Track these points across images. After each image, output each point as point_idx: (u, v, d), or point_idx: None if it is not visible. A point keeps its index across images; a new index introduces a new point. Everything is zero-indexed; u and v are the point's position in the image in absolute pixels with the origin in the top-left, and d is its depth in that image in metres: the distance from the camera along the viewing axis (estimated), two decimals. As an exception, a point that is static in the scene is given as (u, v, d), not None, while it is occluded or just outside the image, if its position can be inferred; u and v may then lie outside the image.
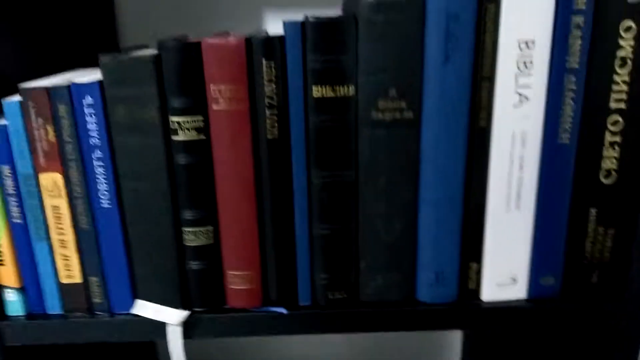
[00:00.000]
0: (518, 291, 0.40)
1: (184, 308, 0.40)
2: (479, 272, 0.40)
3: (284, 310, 0.39)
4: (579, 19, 0.34)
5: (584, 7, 0.34)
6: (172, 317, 0.38)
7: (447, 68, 0.35)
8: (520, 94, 0.36)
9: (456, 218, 0.39)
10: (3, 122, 0.36)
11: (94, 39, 0.57)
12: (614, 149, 0.37)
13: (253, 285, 0.39)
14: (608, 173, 0.38)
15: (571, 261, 0.40)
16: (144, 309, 0.38)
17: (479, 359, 0.71)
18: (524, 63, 0.35)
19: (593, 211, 0.39)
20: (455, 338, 0.80)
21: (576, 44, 0.35)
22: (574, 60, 0.35)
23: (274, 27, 0.65)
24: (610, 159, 0.37)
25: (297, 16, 0.64)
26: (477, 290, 0.40)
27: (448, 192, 0.38)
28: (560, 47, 0.35)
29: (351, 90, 0.35)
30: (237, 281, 0.39)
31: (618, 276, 0.40)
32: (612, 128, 0.37)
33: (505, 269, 0.40)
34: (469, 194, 0.38)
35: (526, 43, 0.35)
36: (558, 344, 0.49)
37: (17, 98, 0.35)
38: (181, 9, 0.65)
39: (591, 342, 0.44)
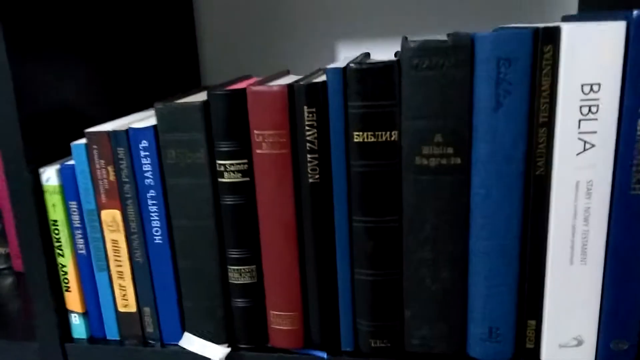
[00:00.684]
0: (584, 354, 0.37)
1: (230, 343, 0.41)
2: (538, 330, 0.37)
3: (324, 355, 0.39)
4: (654, 59, 0.31)
5: (660, 46, 0.31)
6: (215, 352, 0.39)
7: (499, 114, 0.33)
8: (584, 141, 0.33)
9: (511, 270, 0.36)
10: (72, 162, 0.39)
11: (179, 75, 0.62)
12: (700, 203, 0.33)
13: (295, 327, 0.40)
14: (693, 230, 0.33)
15: (648, 326, 0.36)
16: (190, 343, 0.40)
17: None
18: (589, 107, 0.32)
19: (675, 271, 0.34)
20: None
21: (651, 86, 0.31)
22: (649, 104, 0.32)
23: (345, 58, 0.66)
24: (695, 214, 0.33)
25: (366, 49, 0.65)
26: (536, 350, 0.38)
27: (501, 242, 0.36)
28: (633, 90, 0.32)
29: (394, 135, 0.35)
30: (280, 321, 0.40)
31: None
32: (698, 179, 0.32)
33: (569, 328, 0.37)
34: (525, 245, 0.36)
35: (591, 86, 0.32)
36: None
37: (83, 141, 0.39)
38: (260, 45, 0.67)
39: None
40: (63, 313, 0.43)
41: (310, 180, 0.36)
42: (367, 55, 0.46)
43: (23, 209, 0.40)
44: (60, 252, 0.41)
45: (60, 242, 0.41)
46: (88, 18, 0.46)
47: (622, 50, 0.31)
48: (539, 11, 0.61)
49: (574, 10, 0.61)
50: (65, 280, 0.42)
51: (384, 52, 0.66)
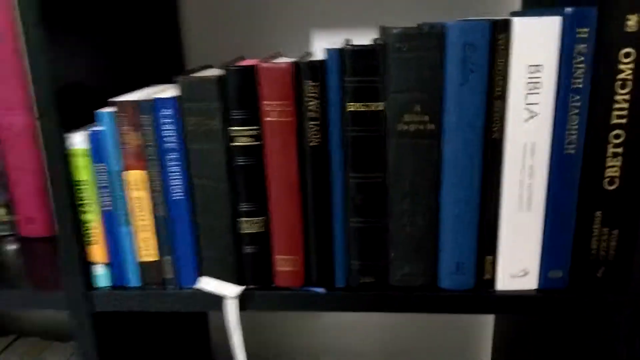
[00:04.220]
0: (529, 282, 0.48)
1: (239, 285, 0.50)
2: (494, 264, 0.48)
3: (322, 290, 0.49)
4: (581, 46, 0.42)
5: (585, 36, 0.41)
6: (230, 291, 0.48)
7: (464, 89, 0.43)
8: (529, 111, 0.44)
9: (473, 216, 0.47)
10: (99, 127, 0.47)
11: (163, 58, 0.69)
12: (616, 159, 0.44)
13: (297, 268, 0.49)
14: (611, 180, 0.45)
15: (578, 257, 0.47)
16: (207, 284, 0.49)
17: (507, 343, 0.78)
18: (533, 84, 0.43)
19: (598, 214, 0.46)
20: (487, 329, 0.88)
21: (580, 67, 0.42)
22: (578, 82, 0.43)
23: (319, 44, 0.75)
24: (612, 168, 0.44)
25: (339, 36, 0.74)
26: (492, 280, 0.49)
27: (466, 194, 0.46)
28: (566, 70, 0.42)
29: (381, 105, 0.44)
30: (284, 264, 0.49)
31: (622, 272, 0.47)
32: (614, 141, 0.44)
33: (518, 262, 0.48)
34: (484, 195, 0.46)
35: (535, 67, 0.43)
36: (568, 332, 0.56)
37: (108, 109, 0.46)
38: (239, 32, 0.75)
39: (597, 330, 0.51)
40: (86, 265, 0.51)
41: (312, 144, 0.45)
42: (350, 41, 0.56)
43: (56, 171, 0.47)
44: (87, 209, 0.49)
45: (86, 200, 0.49)
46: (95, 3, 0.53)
47: (558, 39, 0.42)
48: (487, 6, 0.73)
49: (517, 7, 0.72)
50: (91, 235, 0.50)
51: (355, 38, 0.75)
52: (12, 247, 0.62)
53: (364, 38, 0.74)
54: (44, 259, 0.58)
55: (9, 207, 0.63)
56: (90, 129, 0.47)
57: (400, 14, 0.74)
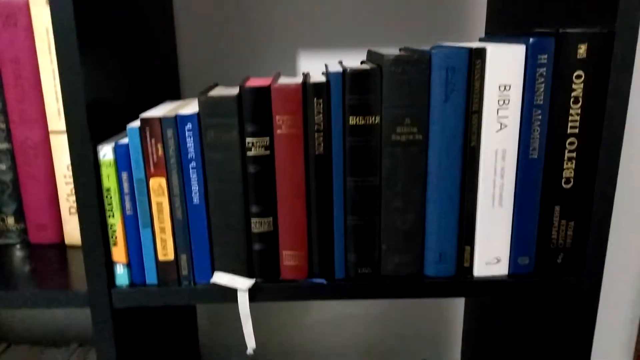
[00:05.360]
0: (501, 268, 0.57)
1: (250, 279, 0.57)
2: (472, 253, 0.57)
3: (324, 281, 0.56)
4: (542, 70, 0.51)
5: (545, 62, 0.51)
6: (242, 284, 0.55)
7: (447, 105, 0.52)
8: (500, 123, 0.53)
9: (454, 212, 0.55)
10: (125, 141, 0.53)
11: (162, 80, 0.75)
12: (571, 162, 0.54)
13: (301, 262, 0.56)
14: (567, 180, 0.55)
15: (541, 246, 0.57)
16: (221, 278, 0.56)
17: (477, 326, 0.88)
18: (503, 100, 0.52)
19: (557, 208, 0.55)
20: (459, 309, 0.98)
21: (541, 87, 0.52)
22: (539, 99, 0.52)
23: (307, 63, 0.83)
24: (568, 169, 0.54)
25: (327, 55, 0.82)
26: (470, 268, 0.57)
27: (448, 193, 0.55)
28: (529, 89, 0.52)
29: (377, 119, 0.52)
30: (289, 259, 0.56)
31: (578, 258, 0.57)
32: (569, 147, 0.53)
33: (492, 251, 0.57)
34: (463, 194, 0.55)
35: (504, 86, 0.52)
36: (533, 311, 0.66)
37: (135, 124, 0.53)
38: (231, 56, 0.82)
39: (558, 308, 0.61)
40: (109, 265, 0.56)
41: (317, 153, 0.53)
42: (341, 62, 0.64)
43: (84, 179, 0.53)
44: (110, 214, 0.55)
45: (111, 205, 0.54)
46: (114, 26, 0.59)
47: (523, 62, 0.51)
48: (456, 31, 0.83)
49: (481, 29, 0.83)
50: (114, 237, 0.55)
51: (342, 58, 0.84)
52: (22, 253, 0.66)
53: (350, 58, 0.83)
54: (57, 263, 0.63)
55: (18, 215, 0.67)
56: (117, 142, 0.53)
57: (383, 37, 0.82)
